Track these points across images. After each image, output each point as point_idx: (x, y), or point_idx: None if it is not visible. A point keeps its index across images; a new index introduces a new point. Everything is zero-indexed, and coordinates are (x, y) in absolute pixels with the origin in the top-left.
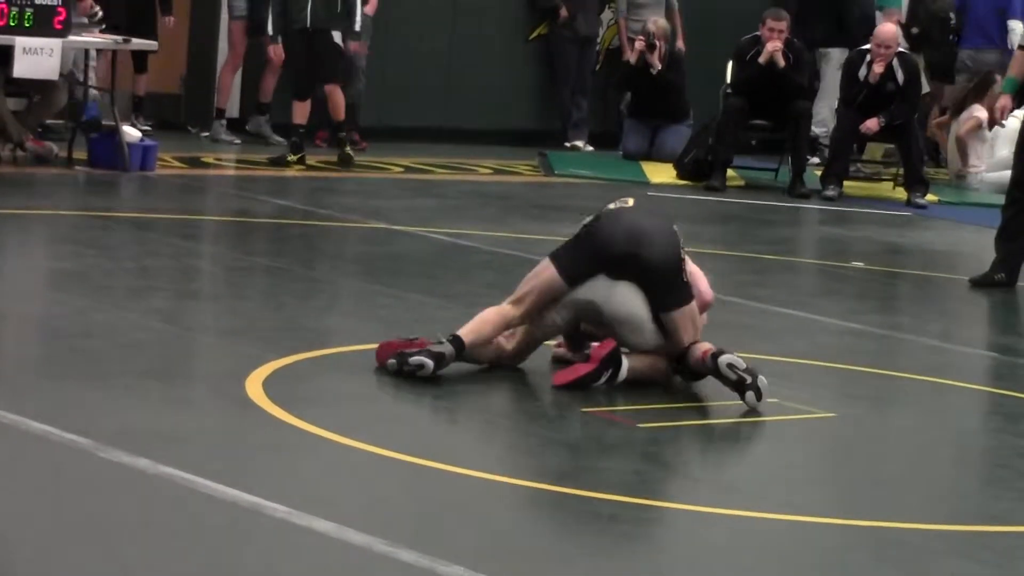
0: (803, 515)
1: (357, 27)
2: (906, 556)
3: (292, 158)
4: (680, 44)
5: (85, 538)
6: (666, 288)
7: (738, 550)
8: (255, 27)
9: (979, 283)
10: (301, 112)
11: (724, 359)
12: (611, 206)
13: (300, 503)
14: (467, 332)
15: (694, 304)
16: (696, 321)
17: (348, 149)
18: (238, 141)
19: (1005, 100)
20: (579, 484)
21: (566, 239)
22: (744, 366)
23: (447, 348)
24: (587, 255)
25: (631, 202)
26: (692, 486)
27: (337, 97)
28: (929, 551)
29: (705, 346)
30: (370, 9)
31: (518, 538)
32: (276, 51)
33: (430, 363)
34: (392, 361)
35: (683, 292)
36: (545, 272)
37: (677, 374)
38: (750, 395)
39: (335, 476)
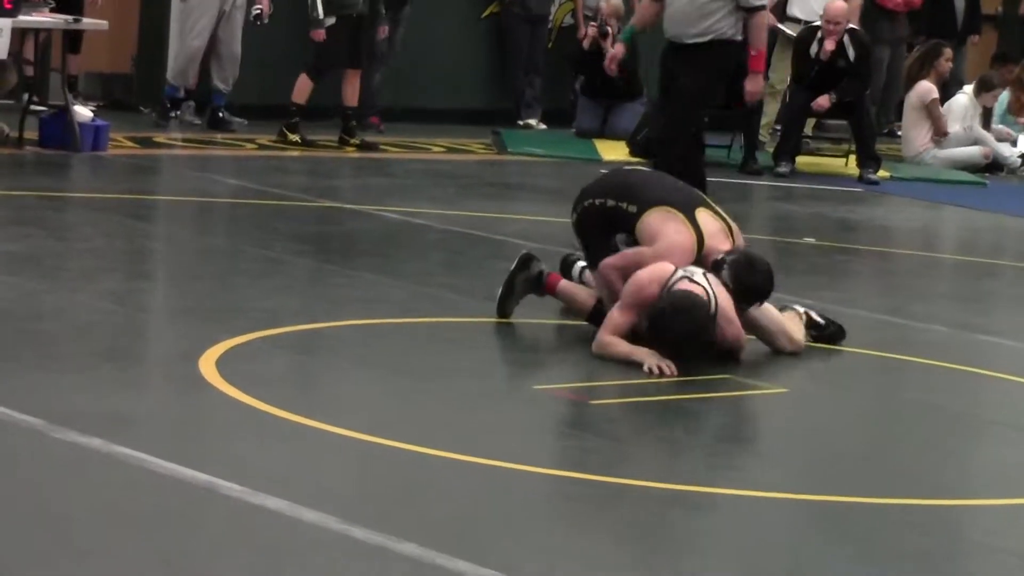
0: (756, 490)
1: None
2: (859, 531)
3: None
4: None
5: (37, 518)
6: None
7: (693, 526)
8: None
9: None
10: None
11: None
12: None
13: (253, 482)
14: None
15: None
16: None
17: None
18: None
19: (619, 48)
20: (533, 461)
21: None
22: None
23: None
24: None
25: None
26: (645, 462)
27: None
28: (882, 525)
29: None
30: None
31: (471, 516)
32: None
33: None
34: None
35: None
36: None
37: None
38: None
39: (288, 455)
